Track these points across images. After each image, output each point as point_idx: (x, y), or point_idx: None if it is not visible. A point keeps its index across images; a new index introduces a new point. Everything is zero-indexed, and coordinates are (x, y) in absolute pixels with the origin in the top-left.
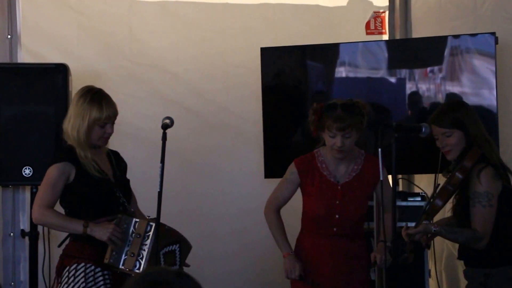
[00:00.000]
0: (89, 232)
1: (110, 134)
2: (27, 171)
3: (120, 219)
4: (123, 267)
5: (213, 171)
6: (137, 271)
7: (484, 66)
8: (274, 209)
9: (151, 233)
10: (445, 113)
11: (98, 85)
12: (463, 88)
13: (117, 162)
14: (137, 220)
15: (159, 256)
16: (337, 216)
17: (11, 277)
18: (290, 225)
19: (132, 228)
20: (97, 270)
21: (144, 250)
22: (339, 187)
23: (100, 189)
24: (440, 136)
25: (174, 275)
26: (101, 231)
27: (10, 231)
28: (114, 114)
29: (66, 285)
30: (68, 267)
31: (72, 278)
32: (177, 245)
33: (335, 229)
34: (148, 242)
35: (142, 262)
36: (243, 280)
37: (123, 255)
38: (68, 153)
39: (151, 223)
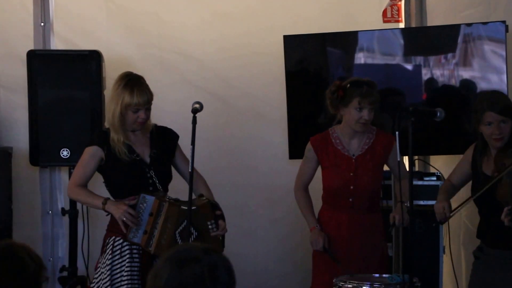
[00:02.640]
0: (106, 209)
1: (144, 119)
2: (64, 153)
3: (139, 198)
4: (140, 244)
5: (239, 153)
6: (150, 249)
7: (495, 53)
8: (301, 187)
9: (162, 212)
10: (503, 101)
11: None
12: (475, 73)
13: (161, 139)
14: (154, 199)
15: (176, 236)
16: (352, 187)
17: (50, 253)
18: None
19: (151, 206)
20: (124, 243)
21: (156, 228)
22: (353, 160)
23: (129, 171)
24: (496, 122)
25: (202, 252)
26: (115, 210)
27: (49, 209)
28: (146, 101)
29: (101, 258)
30: (107, 240)
31: (105, 250)
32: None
33: (351, 199)
34: (159, 221)
35: (153, 241)
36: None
37: (142, 233)
38: (100, 136)
39: (163, 203)
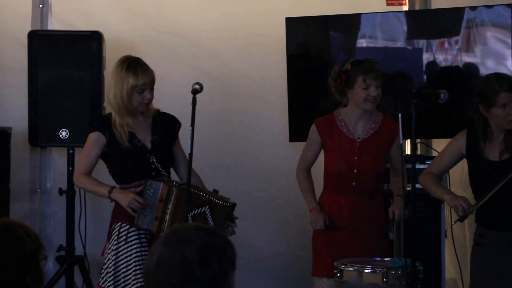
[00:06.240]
0: (113, 197)
1: (150, 99)
2: (63, 134)
3: (146, 184)
4: (151, 230)
5: (237, 135)
6: (162, 234)
7: (499, 39)
8: (303, 169)
9: (172, 197)
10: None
11: (125, 53)
12: (478, 60)
13: (163, 125)
14: (162, 185)
15: (188, 219)
16: (355, 170)
17: (37, 230)
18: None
19: (160, 192)
20: (131, 229)
21: (167, 213)
22: (357, 143)
23: (131, 157)
24: (511, 103)
25: (194, 230)
26: (122, 198)
27: (37, 188)
28: (151, 80)
29: (107, 243)
30: (112, 226)
31: (110, 236)
32: (207, 207)
33: (354, 183)
34: (170, 206)
35: (164, 226)
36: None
37: (152, 219)
38: (102, 122)
39: (172, 188)
